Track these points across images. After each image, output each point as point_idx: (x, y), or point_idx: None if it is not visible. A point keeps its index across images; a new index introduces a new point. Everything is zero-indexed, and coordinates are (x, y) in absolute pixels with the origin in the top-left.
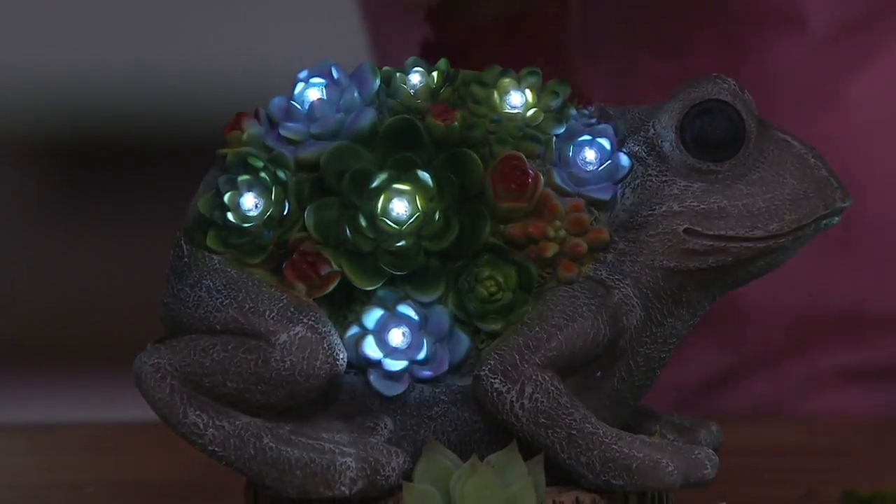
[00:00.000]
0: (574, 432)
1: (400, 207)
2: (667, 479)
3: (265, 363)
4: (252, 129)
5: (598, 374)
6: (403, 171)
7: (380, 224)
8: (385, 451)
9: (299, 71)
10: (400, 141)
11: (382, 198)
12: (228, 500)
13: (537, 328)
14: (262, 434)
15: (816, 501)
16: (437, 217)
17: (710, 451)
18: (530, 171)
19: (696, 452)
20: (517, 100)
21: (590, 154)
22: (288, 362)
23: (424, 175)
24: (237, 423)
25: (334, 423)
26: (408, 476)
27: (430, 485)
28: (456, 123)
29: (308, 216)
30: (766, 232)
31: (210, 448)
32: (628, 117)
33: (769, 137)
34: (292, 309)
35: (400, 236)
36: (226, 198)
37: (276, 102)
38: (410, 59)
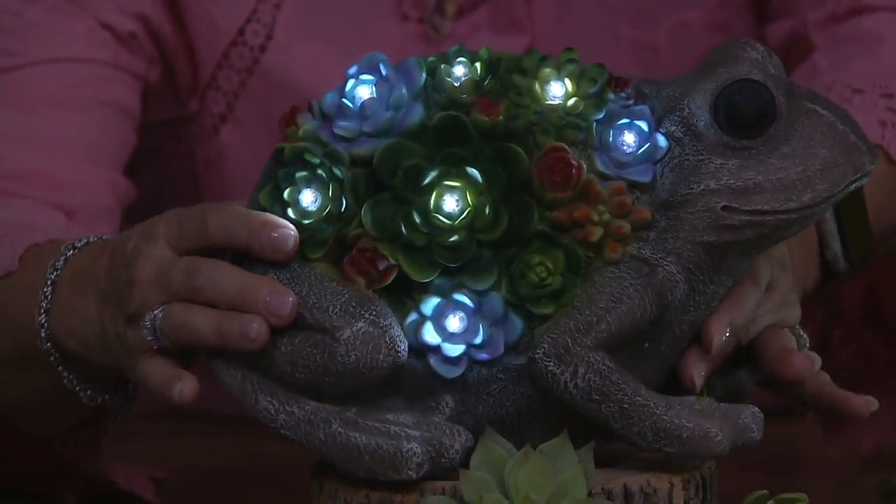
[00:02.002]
0: (626, 406)
1: (451, 203)
2: (716, 447)
3: (331, 357)
4: (307, 124)
5: (646, 344)
6: (453, 167)
7: (433, 220)
8: (448, 433)
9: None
10: (448, 136)
11: (434, 194)
12: (298, 482)
13: (587, 312)
14: (331, 419)
15: (853, 490)
16: (487, 211)
17: (756, 410)
18: (574, 162)
19: (743, 416)
20: (558, 90)
21: (629, 137)
22: (353, 356)
23: (473, 171)
24: (306, 408)
25: (398, 403)
26: (470, 453)
27: (486, 472)
28: (500, 118)
29: (365, 214)
30: (800, 203)
31: (282, 431)
32: (663, 95)
33: (798, 108)
34: (354, 304)
35: (452, 231)
36: (286, 194)
37: (329, 99)
38: (454, 48)
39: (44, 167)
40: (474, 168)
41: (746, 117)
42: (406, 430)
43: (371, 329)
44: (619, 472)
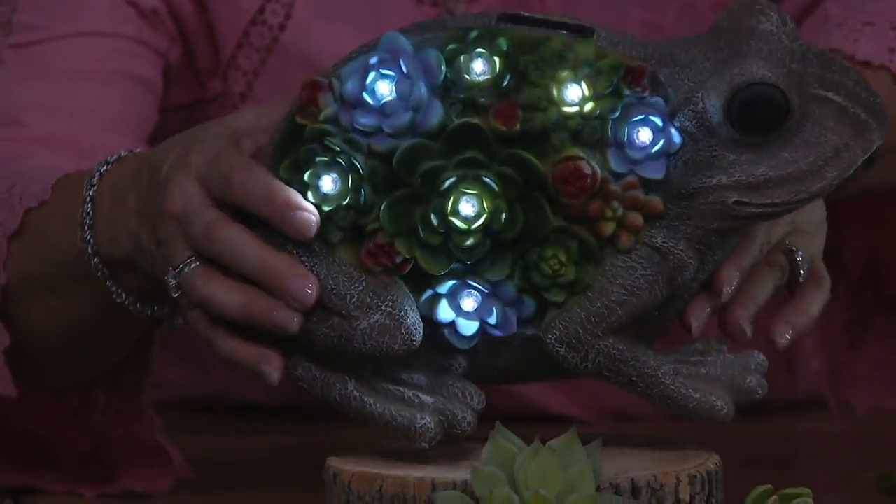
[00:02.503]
0: (634, 378)
1: (468, 208)
2: (720, 417)
3: (348, 341)
4: (328, 108)
5: (656, 312)
6: (470, 171)
7: (450, 222)
8: (461, 402)
9: (368, 53)
10: (466, 141)
11: (452, 199)
12: (311, 475)
13: (598, 304)
14: (347, 378)
15: (855, 484)
16: (502, 216)
17: (760, 378)
18: (588, 172)
19: (749, 381)
20: (575, 94)
21: (644, 135)
22: (369, 345)
23: (489, 180)
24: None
25: (413, 361)
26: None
27: (497, 467)
28: (517, 127)
29: (383, 213)
30: (809, 194)
31: (300, 383)
32: (678, 85)
33: (810, 97)
34: (371, 294)
35: (469, 234)
36: (306, 176)
37: (350, 88)
38: (474, 33)
39: (68, 134)
40: (490, 176)
41: (759, 119)
42: (420, 395)
43: (387, 321)
44: (627, 468)
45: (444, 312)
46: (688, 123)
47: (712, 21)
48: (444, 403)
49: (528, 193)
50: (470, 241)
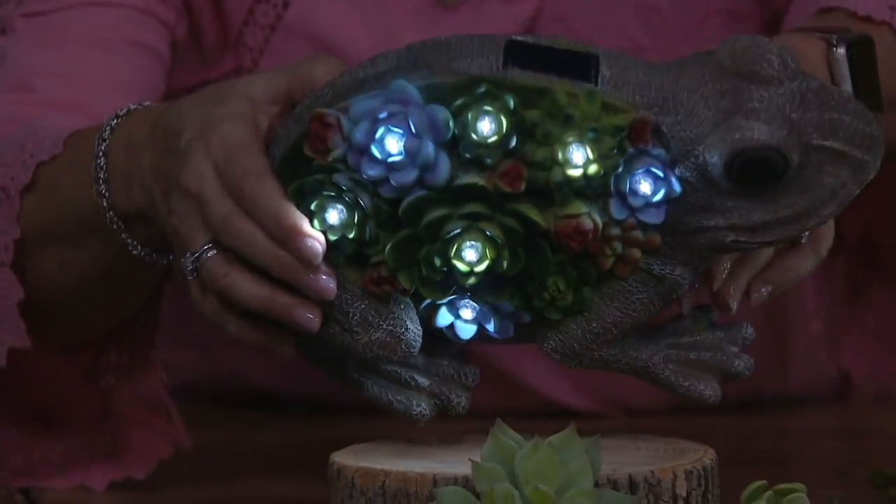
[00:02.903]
0: (628, 370)
1: (471, 255)
2: (708, 402)
3: (351, 349)
4: (337, 150)
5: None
6: (474, 223)
7: (452, 265)
8: (455, 382)
9: (376, 103)
10: (470, 196)
11: (455, 246)
12: (315, 471)
13: (595, 324)
14: (345, 359)
15: (848, 480)
16: (504, 262)
17: (748, 359)
18: (589, 229)
19: (737, 365)
20: (579, 158)
21: (645, 186)
22: (369, 355)
23: (492, 232)
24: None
25: None
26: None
27: (497, 463)
28: (522, 188)
29: (388, 254)
30: (805, 230)
31: (301, 356)
32: (680, 135)
33: (809, 148)
34: (373, 312)
35: (470, 275)
36: (312, 206)
37: (359, 138)
38: (480, 92)
39: (78, 98)
40: (494, 228)
41: (758, 178)
42: (416, 377)
43: (388, 339)
44: (625, 464)
45: (444, 318)
46: (688, 174)
47: (707, 3)
48: (439, 386)
49: (530, 240)
50: (472, 281)
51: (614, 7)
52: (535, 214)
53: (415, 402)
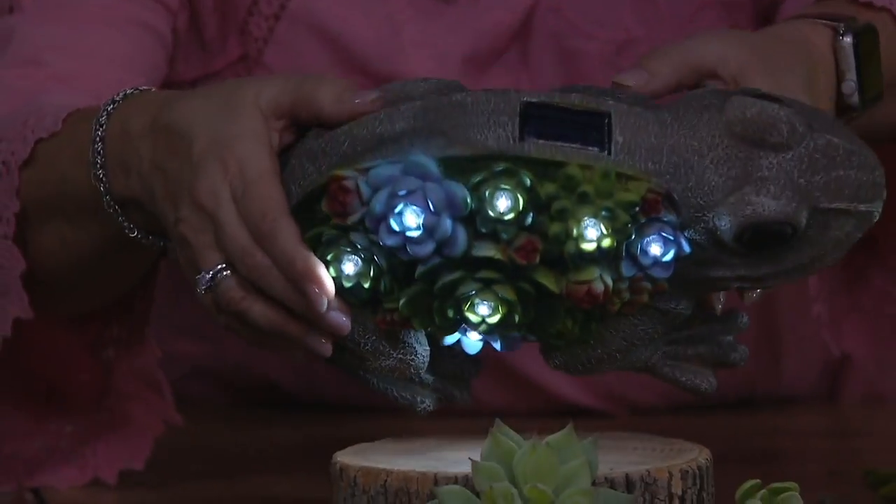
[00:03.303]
0: (629, 369)
1: (484, 310)
2: (705, 394)
3: (360, 368)
4: (355, 215)
5: None
6: (487, 287)
7: (465, 317)
8: (458, 376)
9: (395, 172)
10: (485, 265)
11: (469, 303)
12: (318, 469)
13: (599, 350)
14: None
15: (841, 479)
16: (515, 317)
17: (743, 350)
18: (600, 293)
19: (732, 357)
20: (593, 234)
21: (655, 248)
22: (378, 375)
23: (505, 294)
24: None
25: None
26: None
27: (496, 462)
28: (536, 260)
29: (402, 306)
30: (808, 275)
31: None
32: (691, 202)
33: (817, 211)
34: (384, 343)
35: (482, 324)
36: (329, 256)
37: (378, 210)
38: (498, 171)
39: (86, 72)
40: (507, 290)
41: (767, 244)
42: (420, 374)
43: (398, 365)
44: (622, 463)
45: (451, 337)
46: (698, 236)
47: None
48: (442, 382)
49: (541, 298)
50: (483, 329)
51: (612, 2)
52: (548, 281)
53: (419, 399)
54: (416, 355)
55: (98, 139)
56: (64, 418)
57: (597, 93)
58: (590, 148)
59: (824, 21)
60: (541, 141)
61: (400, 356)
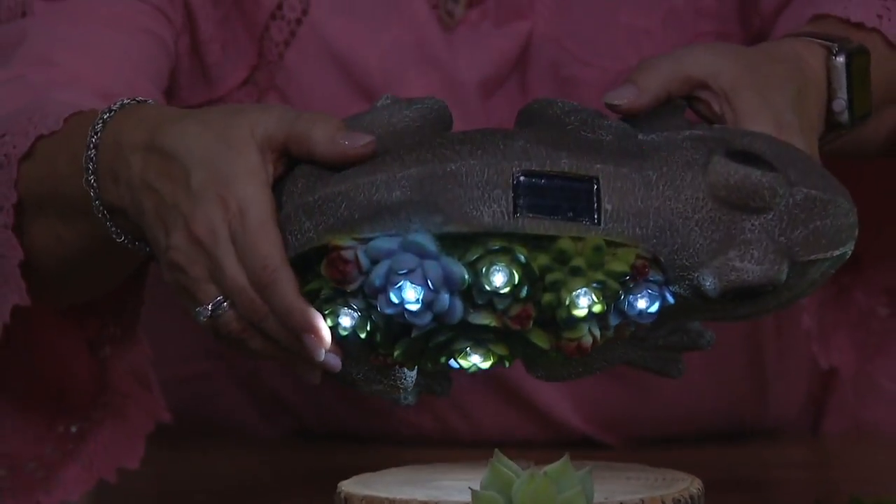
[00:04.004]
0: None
1: (476, 359)
2: (676, 378)
3: (351, 387)
4: (354, 283)
5: None
6: (480, 344)
7: (458, 365)
8: (439, 376)
9: (393, 246)
10: (480, 330)
11: (461, 353)
12: (323, 494)
13: (581, 368)
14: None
15: None
16: (506, 363)
17: (710, 335)
18: (589, 347)
19: (700, 342)
20: (584, 303)
21: (642, 303)
22: (370, 395)
23: (498, 350)
24: None
25: None
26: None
27: (496, 491)
28: (529, 327)
29: (397, 354)
30: (784, 310)
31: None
32: (677, 262)
33: (798, 265)
34: (375, 372)
35: (472, 367)
36: (326, 310)
37: (377, 283)
38: (493, 248)
39: (93, 72)
40: (499, 346)
41: (751, 298)
42: (405, 373)
43: (388, 389)
44: (617, 492)
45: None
46: (682, 291)
47: (694, 25)
48: (423, 378)
49: (531, 347)
50: (474, 370)
51: (606, 29)
52: (540, 341)
53: (402, 397)
54: (404, 378)
55: (92, 146)
56: (68, 418)
57: (589, 122)
58: (580, 220)
59: (818, 40)
60: (533, 216)
61: (391, 382)
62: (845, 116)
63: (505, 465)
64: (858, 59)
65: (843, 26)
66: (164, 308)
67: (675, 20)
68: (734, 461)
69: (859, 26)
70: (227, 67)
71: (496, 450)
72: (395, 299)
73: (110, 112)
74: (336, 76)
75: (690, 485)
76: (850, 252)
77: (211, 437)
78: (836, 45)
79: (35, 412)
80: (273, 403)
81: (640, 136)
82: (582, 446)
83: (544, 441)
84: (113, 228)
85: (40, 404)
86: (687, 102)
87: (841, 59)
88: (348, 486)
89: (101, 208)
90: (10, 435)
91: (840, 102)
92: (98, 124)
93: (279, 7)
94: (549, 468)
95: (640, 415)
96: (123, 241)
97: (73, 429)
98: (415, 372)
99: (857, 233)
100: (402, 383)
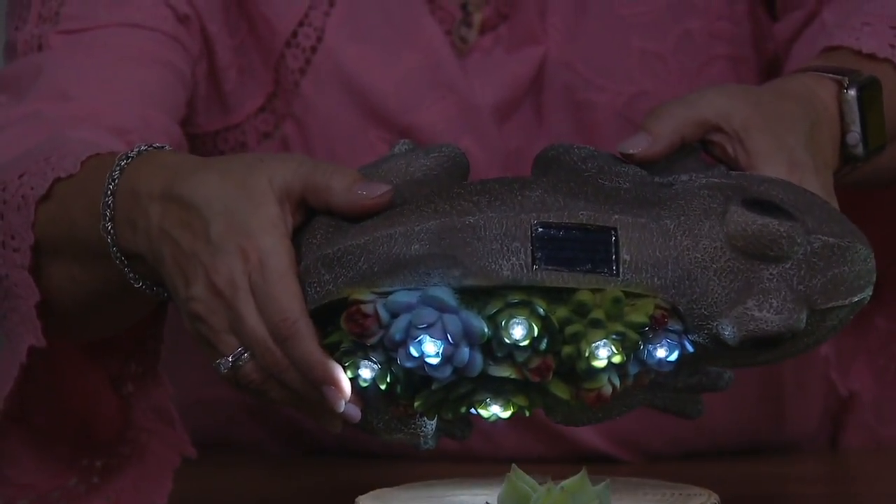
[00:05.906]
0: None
1: (496, 409)
2: (695, 419)
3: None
4: (374, 337)
5: None
6: (501, 395)
7: (478, 414)
8: (460, 422)
9: (413, 300)
10: (500, 381)
11: (482, 405)
12: None
13: (601, 414)
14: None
15: None
16: (526, 412)
17: (729, 375)
18: (609, 396)
19: (719, 384)
20: (604, 354)
21: (661, 352)
22: (388, 441)
23: (518, 401)
24: None
25: None
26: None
27: None
28: (549, 379)
29: (417, 406)
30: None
31: None
32: (696, 312)
33: (815, 311)
34: (396, 421)
35: (492, 417)
36: (346, 362)
37: (397, 337)
38: (513, 301)
39: (109, 108)
40: (520, 397)
41: (769, 346)
42: (426, 422)
43: (408, 437)
44: None
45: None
46: (701, 340)
47: (707, 49)
48: (443, 423)
49: (551, 396)
50: (494, 419)
51: (619, 53)
52: (560, 391)
53: (422, 442)
54: (425, 427)
55: (109, 192)
56: (93, 453)
57: (606, 168)
58: (599, 271)
59: (829, 75)
60: (552, 268)
61: (411, 430)
62: (860, 149)
63: (522, 479)
64: (870, 91)
65: (855, 57)
66: (184, 332)
67: (688, 44)
68: (751, 476)
69: (871, 57)
70: (244, 94)
71: (513, 464)
72: (415, 353)
73: (128, 158)
74: (352, 103)
75: (707, 500)
76: (868, 297)
77: (228, 454)
78: (846, 78)
79: (59, 446)
80: (289, 426)
81: (657, 180)
82: (599, 463)
83: (561, 458)
84: (131, 274)
85: (65, 438)
86: (701, 145)
87: (852, 93)
88: (366, 500)
89: (118, 254)
90: (34, 467)
91: (854, 136)
92: (115, 171)
93: (294, 35)
94: (566, 483)
95: (657, 432)
96: (141, 286)
97: (98, 463)
98: (435, 419)
99: (874, 278)
100: (422, 430)
